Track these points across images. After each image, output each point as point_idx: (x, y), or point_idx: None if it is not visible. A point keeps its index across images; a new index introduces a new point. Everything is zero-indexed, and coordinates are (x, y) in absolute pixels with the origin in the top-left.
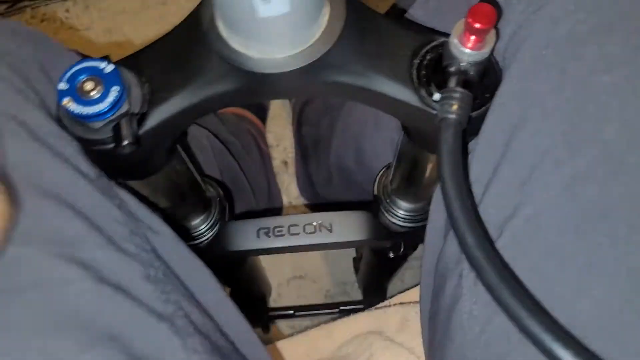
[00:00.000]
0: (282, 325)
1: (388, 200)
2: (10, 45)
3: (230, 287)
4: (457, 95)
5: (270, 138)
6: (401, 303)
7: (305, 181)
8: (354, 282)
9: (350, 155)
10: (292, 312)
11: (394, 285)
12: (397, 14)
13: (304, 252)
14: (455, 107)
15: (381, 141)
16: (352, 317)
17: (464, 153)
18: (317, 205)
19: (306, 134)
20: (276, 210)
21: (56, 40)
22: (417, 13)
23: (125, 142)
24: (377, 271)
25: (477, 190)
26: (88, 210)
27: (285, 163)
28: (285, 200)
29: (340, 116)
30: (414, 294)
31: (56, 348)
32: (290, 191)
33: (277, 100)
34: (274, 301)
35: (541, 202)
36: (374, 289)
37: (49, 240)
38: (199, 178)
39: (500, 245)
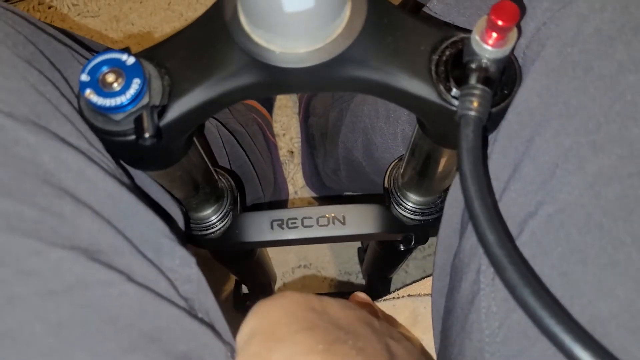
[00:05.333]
0: None
1: (399, 193)
2: (19, 37)
3: (237, 276)
4: (477, 92)
5: (277, 127)
6: (409, 295)
7: (312, 171)
8: (359, 272)
9: (359, 148)
10: None
11: (398, 275)
12: (414, 7)
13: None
14: (475, 103)
15: (392, 135)
16: None
17: (484, 149)
18: (325, 197)
19: (313, 125)
20: (283, 203)
21: (63, 27)
22: (436, 7)
23: (147, 135)
24: (383, 262)
25: (496, 186)
26: (124, 225)
27: (292, 152)
28: (291, 189)
29: (350, 109)
30: (421, 287)
31: (103, 349)
32: (296, 180)
33: None
34: (278, 290)
35: (564, 200)
36: (379, 279)
37: (88, 247)
38: (212, 169)
39: (520, 242)
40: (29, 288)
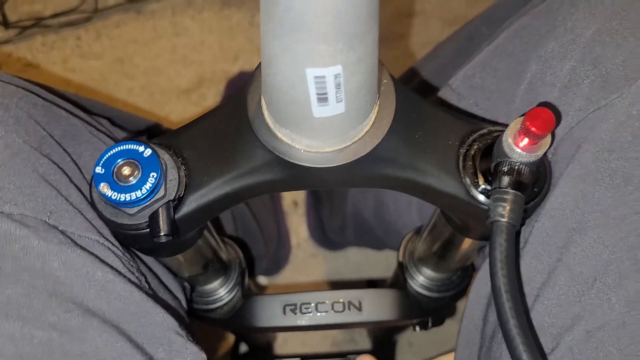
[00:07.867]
0: None
1: (414, 268)
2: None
3: (236, 334)
4: (509, 197)
5: None
6: None
7: (316, 225)
8: (362, 330)
9: (370, 209)
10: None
11: (403, 333)
12: (419, 86)
13: None
14: (507, 209)
15: (406, 203)
16: None
17: (517, 257)
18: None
19: None
20: (285, 256)
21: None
22: (459, 87)
23: (162, 233)
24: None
25: (528, 291)
26: (135, 326)
27: (295, 203)
28: (294, 240)
29: None
30: None
31: None
32: (299, 232)
33: None
34: (279, 347)
35: (603, 317)
36: (383, 339)
37: None
38: (221, 244)
39: (555, 357)
40: None
